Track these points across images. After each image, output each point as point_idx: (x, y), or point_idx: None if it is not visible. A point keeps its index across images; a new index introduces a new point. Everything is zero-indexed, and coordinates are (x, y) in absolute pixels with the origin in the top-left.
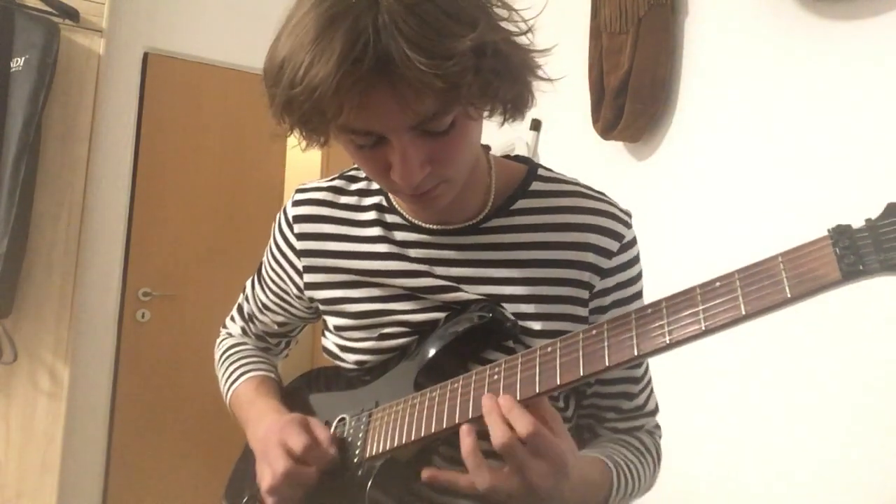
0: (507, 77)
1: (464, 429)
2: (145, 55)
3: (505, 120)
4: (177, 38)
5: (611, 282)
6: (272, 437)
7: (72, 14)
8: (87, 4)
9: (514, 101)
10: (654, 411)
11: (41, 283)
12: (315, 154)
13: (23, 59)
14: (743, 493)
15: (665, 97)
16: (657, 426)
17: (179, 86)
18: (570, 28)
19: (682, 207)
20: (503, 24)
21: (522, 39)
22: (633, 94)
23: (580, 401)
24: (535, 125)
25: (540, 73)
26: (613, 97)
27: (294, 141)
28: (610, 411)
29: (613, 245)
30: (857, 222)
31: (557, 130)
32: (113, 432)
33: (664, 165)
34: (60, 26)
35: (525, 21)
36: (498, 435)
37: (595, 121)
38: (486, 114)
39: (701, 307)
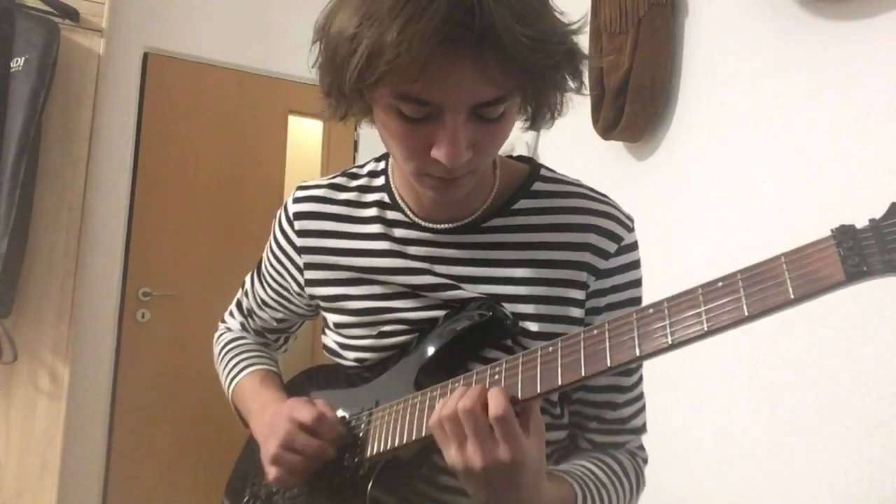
0: (576, 79)
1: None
2: (145, 55)
3: (538, 123)
4: (177, 38)
5: (606, 283)
6: (281, 413)
7: (72, 14)
8: (87, 4)
9: (560, 107)
10: (639, 429)
11: (41, 283)
12: (315, 154)
13: (23, 59)
14: (743, 495)
15: (665, 97)
16: (641, 447)
17: (179, 86)
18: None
19: (683, 207)
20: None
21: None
22: (633, 94)
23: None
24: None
25: (584, 85)
26: (613, 97)
27: (293, 141)
28: (592, 420)
29: (611, 246)
30: (860, 222)
31: (557, 130)
32: (113, 432)
33: (664, 165)
34: (60, 26)
35: (578, 33)
36: (467, 400)
37: (595, 121)
38: (527, 114)
39: (703, 307)
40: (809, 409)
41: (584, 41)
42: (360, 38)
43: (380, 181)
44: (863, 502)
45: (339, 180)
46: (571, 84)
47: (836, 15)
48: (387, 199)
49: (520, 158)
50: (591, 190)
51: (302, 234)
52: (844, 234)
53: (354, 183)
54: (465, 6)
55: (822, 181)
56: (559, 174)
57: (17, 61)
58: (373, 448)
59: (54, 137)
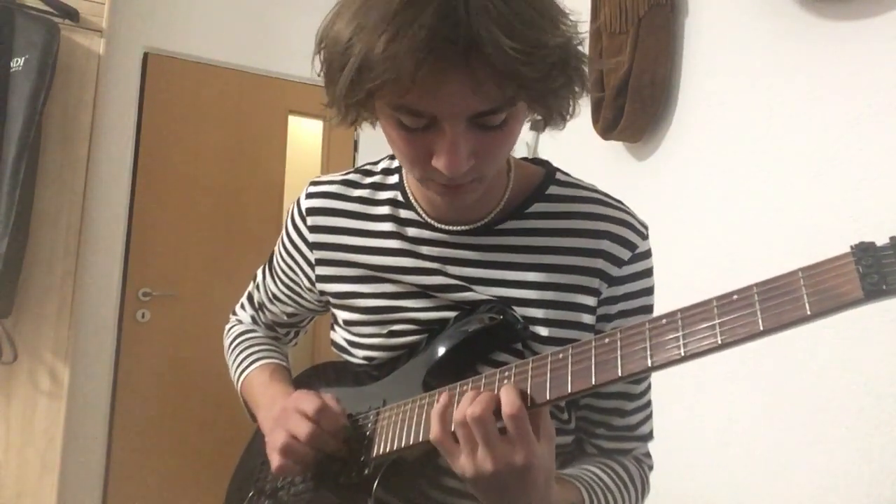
0: (578, 83)
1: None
2: (145, 55)
3: (546, 126)
4: (177, 38)
5: (619, 291)
6: (288, 406)
7: (72, 14)
8: (87, 4)
9: (569, 109)
10: (647, 436)
11: (41, 283)
12: (315, 154)
13: (23, 59)
14: (743, 495)
15: (665, 97)
16: (648, 454)
17: (179, 86)
18: None
19: (683, 207)
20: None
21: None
22: (633, 94)
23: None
24: (536, 125)
25: (587, 86)
26: (613, 97)
27: (293, 141)
28: (600, 426)
29: (625, 254)
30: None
31: (557, 130)
32: (113, 432)
33: (664, 165)
34: (60, 26)
35: (580, 34)
36: (477, 407)
37: (595, 121)
38: (535, 118)
39: (718, 320)
40: (810, 410)
41: (584, 42)
42: (350, 52)
43: (393, 179)
44: (863, 502)
45: (352, 177)
46: (575, 87)
47: (836, 15)
48: (400, 198)
49: (535, 161)
50: (607, 196)
51: (314, 229)
52: (864, 251)
53: (368, 180)
54: (451, 20)
55: (822, 181)
56: (575, 179)
57: (17, 61)
58: (379, 448)
59: (54, 137)
